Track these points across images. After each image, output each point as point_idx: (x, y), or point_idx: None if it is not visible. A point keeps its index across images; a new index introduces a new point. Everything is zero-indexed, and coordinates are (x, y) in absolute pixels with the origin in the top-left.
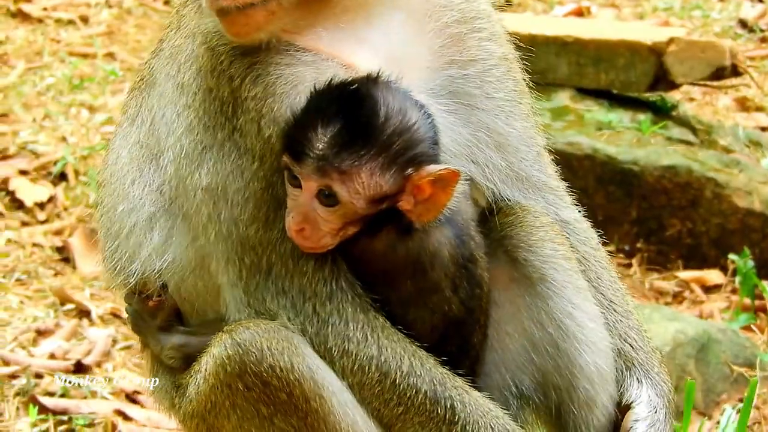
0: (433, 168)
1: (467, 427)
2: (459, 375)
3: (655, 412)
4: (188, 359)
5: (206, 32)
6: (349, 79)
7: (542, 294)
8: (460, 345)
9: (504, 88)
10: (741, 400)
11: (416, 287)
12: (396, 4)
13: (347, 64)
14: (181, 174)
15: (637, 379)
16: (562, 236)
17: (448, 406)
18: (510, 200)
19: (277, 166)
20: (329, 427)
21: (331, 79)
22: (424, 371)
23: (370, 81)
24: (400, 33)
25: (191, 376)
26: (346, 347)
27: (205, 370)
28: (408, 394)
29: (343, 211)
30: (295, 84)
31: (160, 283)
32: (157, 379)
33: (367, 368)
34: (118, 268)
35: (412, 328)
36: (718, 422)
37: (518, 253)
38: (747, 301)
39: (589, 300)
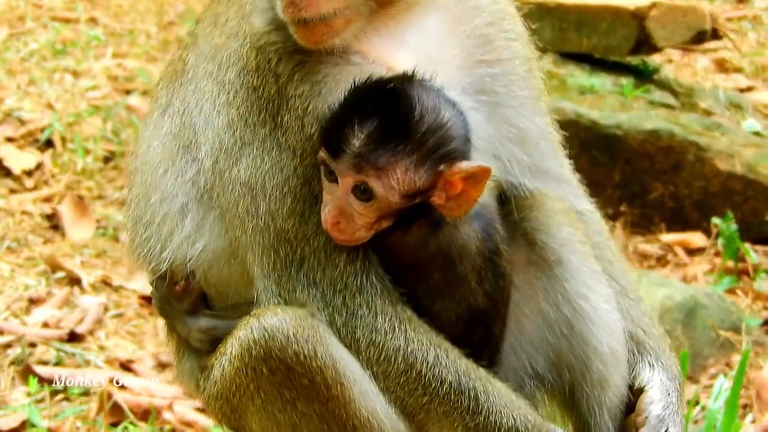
0: (465, 165)
1: (490, 417)
2: (481, 365)
3: (668, 395)
4: (215, 342)
5: (253, 32)
6: (386, 77)
7: (559, 276)
8: (483, 335)
9: (527, 86)
10: (728, 365)
11: (444, 279)
12: (433, 8)
13: (389, 66)
14: (218, 168)
15: (649, 363)
16: (577, 221)
17: (472, 396)
18: (529, 190)
19: (315, 162)
20: (349, 414)
21: (368, 78)
22: (449, 362)
23: (406, 79)
24: (437, 34)
25: (216, 358)
26: (374, 338)
27: (231, 352)
28: (433, 385)
29: (378, 206)
30: (339, 84)
31: (189, 270)
32: (182, 362)
33: (393, 359)
34: (149, 255)
35: (438, 318)
36: (705, 386)
37: (536, 235)
38: (730, 263)
39: (603, 283)
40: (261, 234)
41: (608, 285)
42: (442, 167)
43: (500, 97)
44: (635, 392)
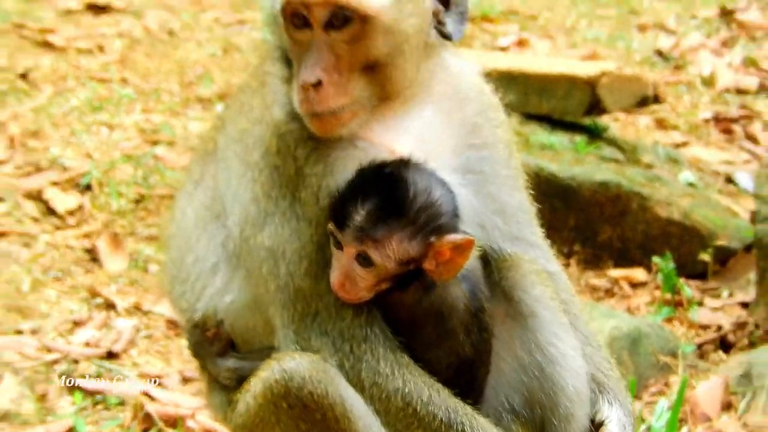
0: (452, 237)
1: None
2: (468, 403)
3: (624, 428)
4: (241, 380)
5: (275, 121)
6: (385, 162)
7: (532, 327)
8: (469, 379)
9: (508, 167)
10: (666, 384)
11: (436, 333)
12: (429, 99)
13: (391, 150)
14: (245, 235)
15: (608, 401)
16: (548, 281)
17: (460, 429)
18: (508, 254)
19: (327, 231)
20: None
21: (370, 162)
22: (440, 400)
23: (402, 164)
24: (432, 123)
25: (242, 394)
26: (376, 380)
27: (255, 390)
28: (427, 419)
29: (377, 272)
30: (348, 165)
31: (219, 319)
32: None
33: (393, 397)
34: (185, 307)
35: (431, 365)
36: (647, 403)
37: (513, 292)
38: (668, 296)
39: (570, 333)
40: (281, 291)
41: (574, 335)
42: (432, 239)
43: (486, 176)
44: (596, 425)
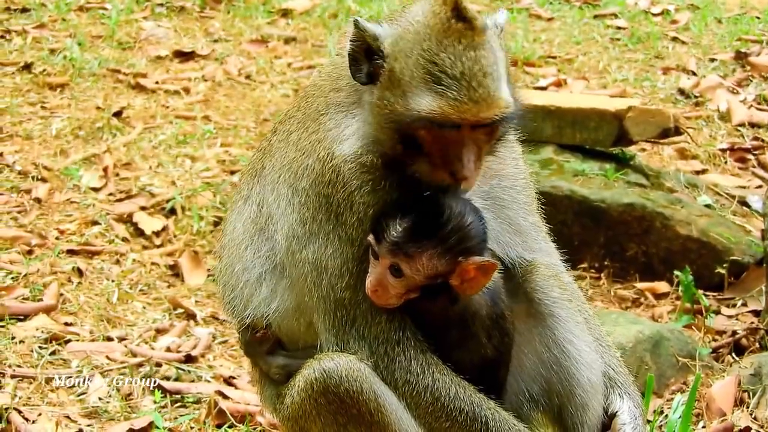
0: (478, 258)
1: None
2: (490, 398)
3: (635, 418)
4: (290, 375)
5: (339, 158)
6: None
7: (551, 325)
8: (491, 377)
9: (524, 194)
10: (685, 383)
11: (460, 336)
12: None
13: None
14: (291, 250)
15: (620, 394)
16: (564, 285)
17: (483, 422)
18: (528, 261)
19: (366, 246)
20: None
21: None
22: (465, 396)
23: (441, 190)
24: None
25: (288, 389)
26: (408, 378)
27: (299, 386)
28: (453, 413)
29: (407, 282)
30: (394, 195)
31: (266, 322)
32: (264, 389)
33: (423, 393)
34: (235, 312)
35: (457, 365)
36: (667, 400)
37: (534, 294)
38: (688, 306)
39: (585, 332)
40: (323, 300)
41: (587, 334)
42: (460, 259)
43: (505, 202)
44: (609, 416)
